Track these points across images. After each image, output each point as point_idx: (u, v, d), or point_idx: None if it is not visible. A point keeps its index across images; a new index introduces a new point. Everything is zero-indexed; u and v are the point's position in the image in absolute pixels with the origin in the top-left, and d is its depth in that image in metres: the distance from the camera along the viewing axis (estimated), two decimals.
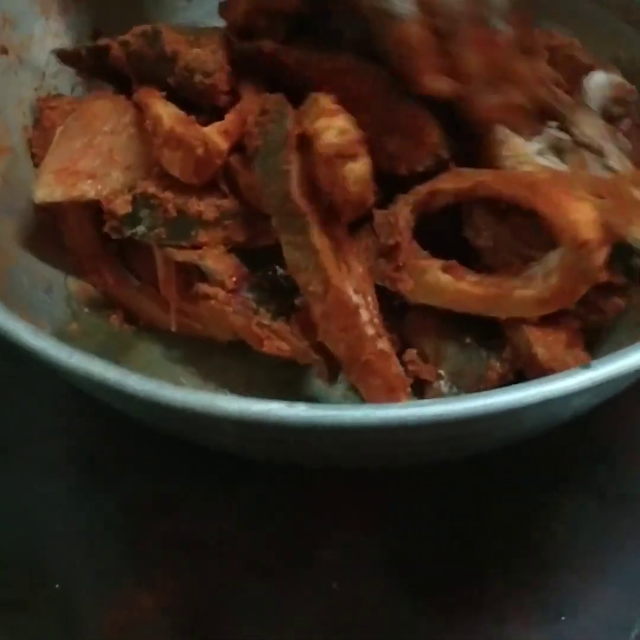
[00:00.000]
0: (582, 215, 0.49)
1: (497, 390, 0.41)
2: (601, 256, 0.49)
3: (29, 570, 0.55)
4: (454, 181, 0.54)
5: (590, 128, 0.58)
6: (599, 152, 0.57)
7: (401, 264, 0.55)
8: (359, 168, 0.51)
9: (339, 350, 0.51)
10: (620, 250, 0.51)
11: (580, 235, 0.49)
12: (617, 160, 0.56)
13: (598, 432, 0.58)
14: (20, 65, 0.64)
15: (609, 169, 0.56)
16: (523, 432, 0.49)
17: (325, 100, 0.53)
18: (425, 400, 0.46)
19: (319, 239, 0.51)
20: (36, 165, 0.63)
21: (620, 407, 0.56)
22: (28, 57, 0.65)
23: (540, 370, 0.51)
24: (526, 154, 0.56)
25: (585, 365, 0.41)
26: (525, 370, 0.53)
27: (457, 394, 0.54)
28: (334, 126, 0.51)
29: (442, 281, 0.54)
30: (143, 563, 0.56)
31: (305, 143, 0.52)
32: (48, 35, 0.66)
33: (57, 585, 0.55)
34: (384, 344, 0.52)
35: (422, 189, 0.55)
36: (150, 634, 0.53)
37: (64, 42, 0.67)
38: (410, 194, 0.55)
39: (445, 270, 0.54)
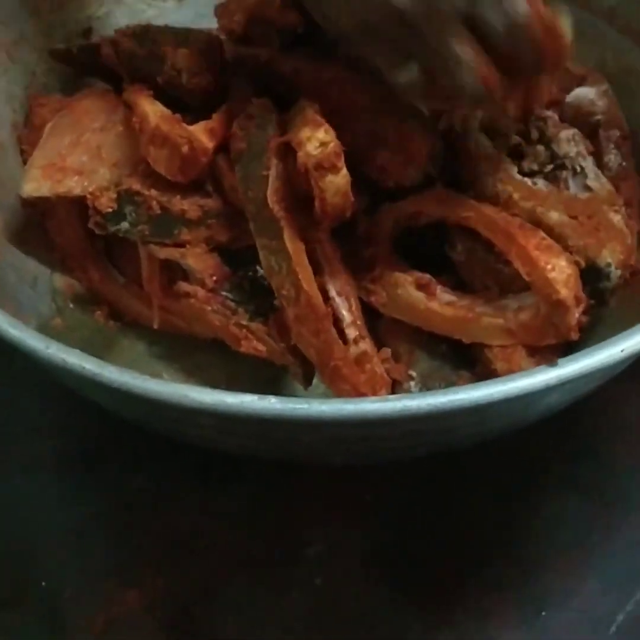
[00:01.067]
0: (558, 274, 0.50)
1: (462, 387, 0.42)
2: (575, 315, 0.50)
3: (15, 568, 0.56)
4: (440, 208, 0.55)
5: (569, 145, 0.58)
6: (578, 171, 0.57)
7: (377, 275, 0.56)
8: (338, 180, 0.52)
9: (310, 354, 0.52)
10: (589, 273, 0.52)
11: (556, 294, 0.50)
12: (595, 180, 0.57)
13: (580, 428, 0.59)
14: (11, 63, 0.65)
15: (587, 188, 0.57)
16: (496, 429, 0.49)
17: (311, 110, 0.53)
18: (394, 396, 0.46)
19: (292, 244, 0.52)
20: (25, 161, 0.63)
21: (602, 404, 0.57)
22: (19, 55, 0.65)
23: None
24: (508, 173, 0.57)
25: (553, 364, 0.41)
26: None
27: None
28: (316, 137, 0.52)
29: (413, 298, 0.55)
30: (129, 560, 0.56)
31: (288, 150, 0.53)
32: (39, 33, 0.67)
33: (43, 583, 0.55)
34: (366, 345, 0.53)
35: (407, 208, 0.56)
36: (135, 630, 0.54)
37: (57, 40, 0.68)
38: (394, 208, 0.56)
39: (418, 286, 0.55)
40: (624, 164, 0.61)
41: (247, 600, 0.54)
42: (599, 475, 0.58)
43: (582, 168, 0.57)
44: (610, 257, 0.53)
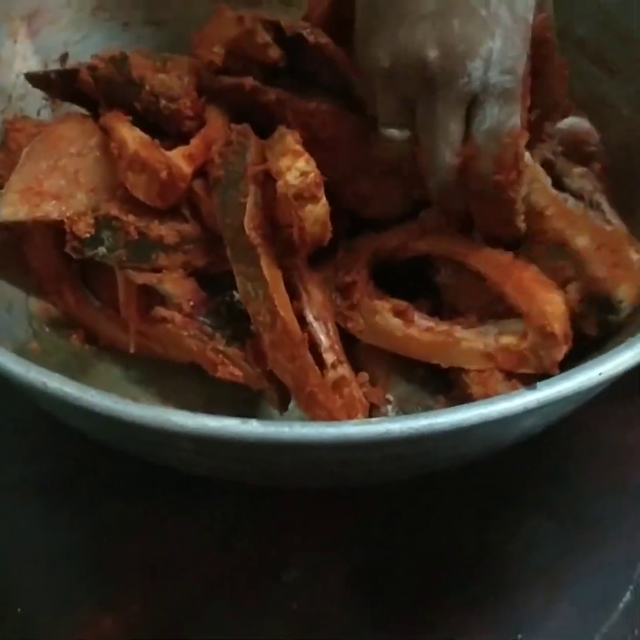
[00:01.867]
0: (553, 308, 0.51)
1: (443, 410, 0.42)
2: (563, 352, 0.51)
3: None
4: (426, 244, 0.56)
5: (583, 180, 0.59)
6: (596, 206, 0.58)
7: (355, 302, 0.56)
8: (318, 210, 0.52)
9: (285, 379, 0.52)
10: (603, 304, 0.53)
11: (549, 327, 0.51)
12: (613, 216, 0.58)
13: (554, 452, 0.60)
14: None
15: (608, 222, 0.57)
16: (474, 451, 0.50)
17: (291, 139, 0.54)
18: (375, 419, 0.46)
19: (269, 271, 0.52)
20: (0, 186, 0.63)
21: (575, 428, 0.58)
22: None
23: None
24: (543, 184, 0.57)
25: (532, 387, 0.42)
26: None
27: None
28: (296, 167, 0.52)
29: (391, 324, 0.56)
30: (105, 586, 0.56)
31: (267, 178, 0.53)
32: (16, 57, 0.67)
33: (18, 609, 0.55)
34: (344, 370, 0.53)
35: (389, 242, 0.57)
36: None
37: (32, 64, 0.68)
38: (375, 240, 0.57)
39: (396, 313, 0.56)
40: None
41: (224, 624, 0.54)
42: (572, 498, 0.59)
43: (599, 203, 0.58)
44: (625, 294, 0.53)
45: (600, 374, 0.43)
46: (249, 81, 0.58)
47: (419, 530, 0.57)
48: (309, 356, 0.52)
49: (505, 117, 0.50)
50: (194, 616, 0.54)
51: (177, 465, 0.53)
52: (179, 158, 0.57)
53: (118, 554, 0.57)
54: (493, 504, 0.58)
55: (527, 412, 0.42)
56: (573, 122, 0.64)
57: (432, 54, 0.49)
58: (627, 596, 0.54)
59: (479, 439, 0.47)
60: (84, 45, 0.70)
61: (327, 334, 0.55)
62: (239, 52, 0.59)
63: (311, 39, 0.57)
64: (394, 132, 0.52)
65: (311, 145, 0.54)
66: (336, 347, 0.54)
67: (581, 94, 0.67)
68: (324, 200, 0.52)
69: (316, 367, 0.52)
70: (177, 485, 0.57)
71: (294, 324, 0.52)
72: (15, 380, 0.45)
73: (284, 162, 0.52)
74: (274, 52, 0.57)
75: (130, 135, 0.57)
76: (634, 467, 0.60)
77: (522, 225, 0.54)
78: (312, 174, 0.52)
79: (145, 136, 0.57)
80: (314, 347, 0.54)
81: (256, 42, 0.58)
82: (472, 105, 0.50)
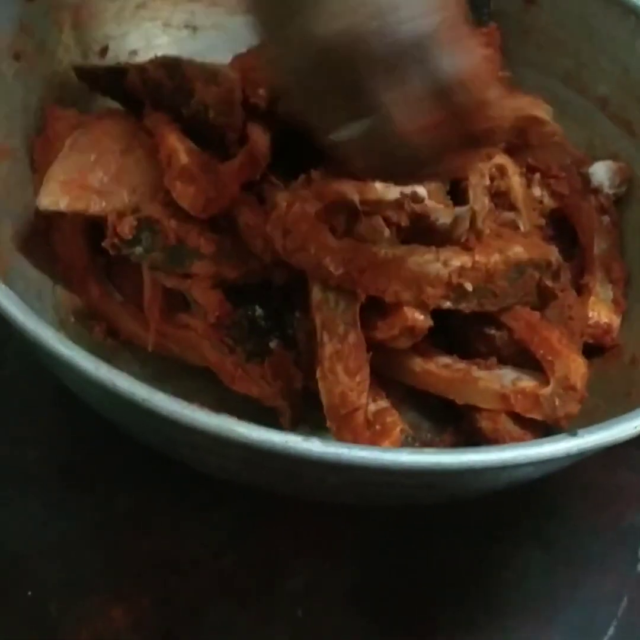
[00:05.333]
0: (578, 366, 0.54)
1: (487, 447, 0.45)
2: (577, 407, 0.54)
3: (1, 577, 0.56)
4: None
5: None
6: None
7: None
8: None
9: (332, 392, 0.54)
10: None
11: (572, 380, 0.54)
12: None
13: (548, 488, 0.62)
14: (30, 73, 0.66)
15: None
16: (501, 485, 0.53)
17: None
18: (427, 449, 0.49)
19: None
20: (34, 171, 0.64)
21: (569, 469, 0.59)
22: (38, 65, 0.66)
23: (487, 441, 0.56)
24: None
25: (573, 433, 0.45)
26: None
27: (412, 445, 0.58)
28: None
29: (410, 360, 0.58)
30: (116, 577, 0.57)
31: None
32: (59, 47, 0.68)
33: (29, 593, 0.56)
34: (385, 403, 0.56)
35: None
36: None
37: (74, 55, 0.69)
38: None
39: (415, 350, 0.58)
40: (614, 246, 0.65)
41: (230, 626, 0.56)
42: (563, 533, 0.62)
43: None
44: None
45: (636, 427, 0.46)
46: None
47: (415, 551, 0.60)
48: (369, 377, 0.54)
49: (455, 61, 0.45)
50: (201, 615, 0.56)
51: (213, 471, 0.54)
52: (228, 175, 0.58)
53: (130, 547, 0.58)
54: (489, 534, 0.61)
55: (567, 457, 0.45)
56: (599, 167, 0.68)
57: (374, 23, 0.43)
58: (611, 631, 0.58)
59: (510, 476, 0.50)
60: (124, 40, 0.72)
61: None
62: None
63: None
64: (346, 132, 0.47)
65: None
66: (373, 381, 0.56)
67: (599, 150, 0.71)
68: None
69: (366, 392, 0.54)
70: (192, 484, 0.59)
71: (364, 342, 0.54)
72: (84, 376, 0.46)
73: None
74: None
75: (182, 147, 0.58)
76: (622, 507, 0.63)
77: None
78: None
79: (197, 148, 0.59)
80: None
81: None
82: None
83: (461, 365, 0.57)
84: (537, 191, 0.68)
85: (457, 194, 0.65)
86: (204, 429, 0.43)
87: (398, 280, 0.54)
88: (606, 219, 0.67)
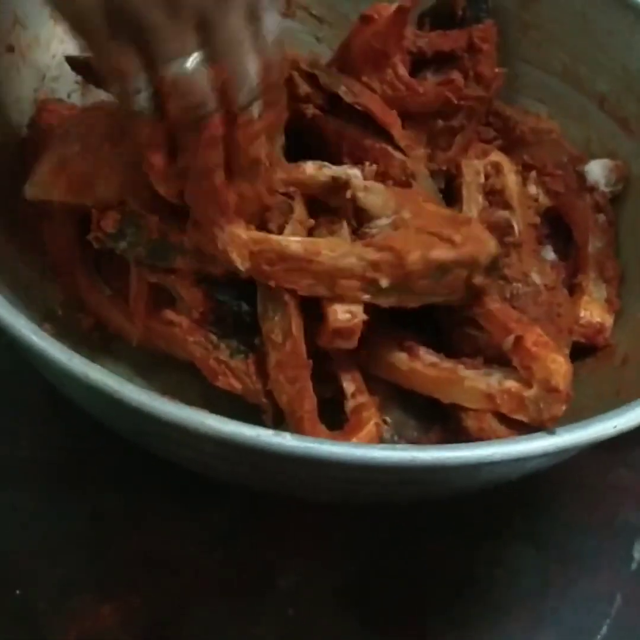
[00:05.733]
0: (558, 366, 0.53)
1: (465, 444, 0.45)
2: (562, 409, 0.53)
3: None
4: None
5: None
6: None
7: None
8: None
9: (281, 400, 0.54)
10: None
11: (554, 382, 0.52)
12: None
13: (540, 487, 0.62)
14: (23, 65, 0.66)
15: None
16: (480, 484, 0.52)
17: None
18: (400, 446, 0.49)
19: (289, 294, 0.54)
20: (26, 163, 0.64)
21: (562, 468, 0.59)
22: (32, 58, 0.66)
23: (473, 440, 0.54)
24: None
25: (551, 431, 0.44)
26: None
27: (397, 442, 0.57)
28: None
29: (396, 358, 0.57)
30: (106, 575, 0.57)
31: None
32: (53, 39, 0.68)
33: (17, 591, 0.56)
34: (364, 398, 0.55)
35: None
36: None
37: (68, 47, 0.68)
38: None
39: (401, 347, 0.57)
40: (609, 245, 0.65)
41: (220, 624, 0.56)
42: (557, 531, 0.61)
43: None
44: None
45: (615, 426, 0.45)
46: (310, 110, 0.60)
47: (408, 549, 0.60)
48: (310, 383, 0.53)
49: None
50: (191, 613, 0.56)
51: (188, 465, 0.54)
52: None
53: (119, 545, 0.58)
54: (482, 533, 0.61)
55: (544, 455, 0.44)
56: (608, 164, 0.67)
57: None
58: (604, 630, 0.57)
59: (489, 474, 0.49)
60: None
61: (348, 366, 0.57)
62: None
63: (348, 99, 0.61)
64: (184, 64, 0.47)
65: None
66: (357, 377, 0.56)
67: (595, 146, 0.70)
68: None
69: (313, 395, 0.53)
70: (182, 483, 0.58)
71: (302, 348, 0.54)
72: (56, 367, 0.46)
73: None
74: (311, 109, 0.61)
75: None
76: (616, 505, 0.63)
77: None
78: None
79: None
80: (334, 378, 0.56)
81: (296, 93, 0.61)
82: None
83: (448, 364, 0.56)
84: (532, 189, 0.67)
85: (451, 191, 0.65)
86: (173, 420, 0.43)
87: (310, 274, 0.53)
88: (602, 217, 0.66)
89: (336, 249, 0.53)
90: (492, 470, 0.47)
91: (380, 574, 0.58)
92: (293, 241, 0.53)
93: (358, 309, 0.53)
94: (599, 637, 0.57)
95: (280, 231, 0.55)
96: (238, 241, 0.53)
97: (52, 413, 0.61)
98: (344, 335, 0.53)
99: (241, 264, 0.53)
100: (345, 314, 0.53)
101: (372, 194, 0.57)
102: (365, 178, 0.57)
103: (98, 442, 0.58)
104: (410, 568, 0.58)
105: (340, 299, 0.53)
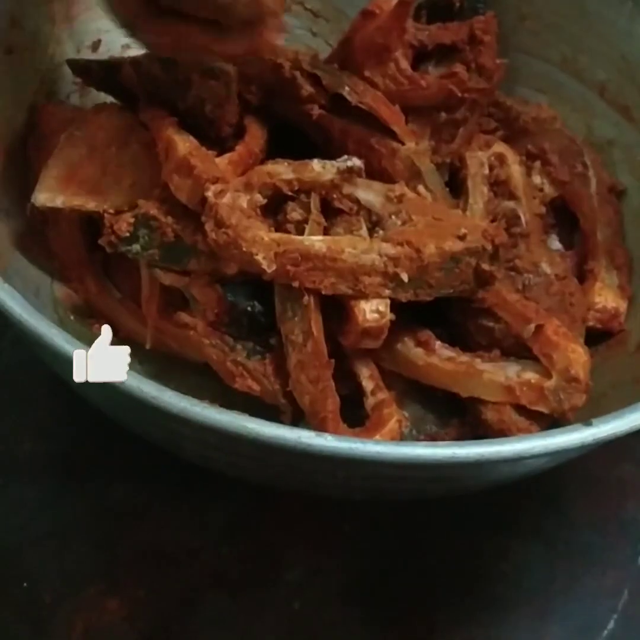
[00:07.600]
0: (578, 356, 0.53)
1: (502, 439, 0.45)
2: (583, 399, 0.53)
3: None
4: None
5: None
6: None
7: None
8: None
9: (303, 401, 0.53)
10: None
11: (574, 371, 0.53)
12: None
13: (547, 484, 0.62)
14: (22, 67, 0.65)
15: None
16: (511, 477, 0.52)
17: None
18: (441, 443, 0.48)
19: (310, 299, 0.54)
20: (30, 168, 0.63)
21: (569, 463, 0.60)
22: (30, 60, 0.65)
23: (493, 433, 0.55)
24: None
25: (587, 423, 0.44)
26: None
27: (416, 437, 0.57)
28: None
29: (412, 353, 0.57)
30: (111, 569, 0.57)
31: None
32: (51, 40, 0.67)
33: (25, 584, 0.56)
34: (384, 395, 0.55)
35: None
36: (112, 638, 0.55)
37: (66, 48, 0.68)
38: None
39: (418, 343, 0.57)
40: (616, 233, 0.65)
41: (226, 618, 0.56)
42: (563, 526, 0.62)
43: None
44: None
45: None
46: (316, 110, 0.60)
47: (415, 544, 0.60)
48: (332, 383, 0.53)
49: None
50: (195, 606, 0.56)
51: (216, 467, 0.54)
52: (225, 167, 0.57)
53: (125, 539, 0.58)
54: (489, 527, 0.61)
55: (581, 447, 0.44)
56: None
57: None
58: (611, 625, 0.58)
59: (525, 467, 0.49)
60: (117, 33, 0.70)
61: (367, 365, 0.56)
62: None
63: (352, 99, 0.61)
64: None
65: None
66: (375, 374, 0.56)
67: (597, 135, 0.70)
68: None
69: (336, 395, 0.53)
70: (188, 476, 0.58)
71: (324, 347, 0.53)
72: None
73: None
74: (316, 110, 0.61)
75: (180, 139, 0.57)
76: (623, 500, 0.63)
77: None
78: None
79: (195, 141, 0.57)
80: (353, 377, 0.56)
81: (300, 95, 0.61)
82: None
83: (465, 358, 0.56)
84: (537, 179, 0.67)
85: (456, 183, 0.65)
86: (215, 426, 0.43)
87: (333, 272, 0.53)
88: (607, 206, 0.66)
89: (357, 246, 0.54)
90: (528, 464, 0.47)
91: (386, 569, 0.59)
92: (316, 240, 0.53)
93: (386, 308, 0.53)
94: (605, 632, 0.57)
95: (299, 232, 0.55)
96: (262, 243, 0.53)
97: (57, 408, 0.61)
98: (372, 335, 0.53)
99: (268, 266, 0.52)
100: (373, 314, 0.53)
101: (372, 191, 0.57)
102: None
103: (103, 435, 0.59)
104: (416, 562, 0.59)
105: (363, 295, 0.53)
